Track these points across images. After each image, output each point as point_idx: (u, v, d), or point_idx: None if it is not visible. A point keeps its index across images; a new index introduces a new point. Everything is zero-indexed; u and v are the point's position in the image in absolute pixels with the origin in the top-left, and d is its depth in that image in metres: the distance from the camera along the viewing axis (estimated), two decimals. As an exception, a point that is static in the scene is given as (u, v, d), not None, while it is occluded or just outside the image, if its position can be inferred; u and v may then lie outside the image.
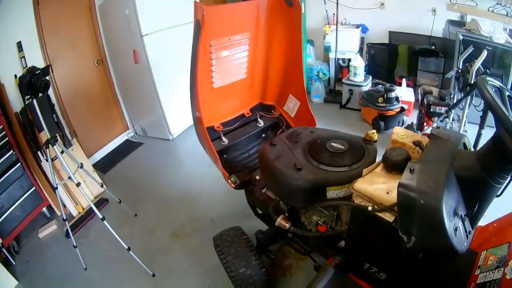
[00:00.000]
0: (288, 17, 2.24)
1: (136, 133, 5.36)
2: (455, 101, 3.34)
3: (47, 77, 2.56)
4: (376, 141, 1.65)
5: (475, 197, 1.13)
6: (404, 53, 4.95)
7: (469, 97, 2.95)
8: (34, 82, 2.48)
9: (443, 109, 3.38)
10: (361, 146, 1.60)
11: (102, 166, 4.57)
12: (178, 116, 4.80)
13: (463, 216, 1.10)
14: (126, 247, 2.60)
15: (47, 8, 4.20)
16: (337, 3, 4.85)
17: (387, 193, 1.15)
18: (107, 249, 3.00)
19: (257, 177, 2.15)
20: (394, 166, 1.24)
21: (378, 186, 1.19)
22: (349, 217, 1.37)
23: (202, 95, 2.08)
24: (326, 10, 5.13)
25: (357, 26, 4.99)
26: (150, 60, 4.31)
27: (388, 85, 4.08)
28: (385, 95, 3.98)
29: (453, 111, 3.27)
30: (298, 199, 1.57)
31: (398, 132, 1.47)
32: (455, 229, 1.03)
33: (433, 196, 0.99)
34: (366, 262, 1.37)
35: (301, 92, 2.49)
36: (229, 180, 2.19)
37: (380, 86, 4.21)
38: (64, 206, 3.63)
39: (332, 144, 1.58)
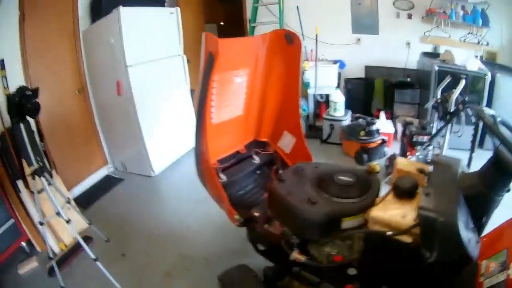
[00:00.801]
0: (288, 54, 2.29)
1: (116, 168, 5.17)
2: (434, 129, 3.61)
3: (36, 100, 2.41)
4: (378, 172, 1.72)
5: (479, 210, 1.29)
6: (380, 86, 5.20)
7: (449, 124, 3.17)
8: (23, 103, 2.31)
9: (425, 138, 3.57)
10: (366, 177, 1.67)
11: (82, 202, 4.29)
12: (160, 152, 4.69)
13: (472, 228, 1.25)
14: None
15: (32, 25, 4.04)
16: (316, 40, 5.07)
17: (403, 217, 1.26)
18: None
19: (256, 214, 2.12)
20: (405, 193, 1.35)
21: (393, 212, 1.30)
22: (364, 244, 1.43)
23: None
24: (305, 47, 5.25)
25: (335, 62, 5.19)
26: (133, 92, 4.21)
27: (369, 118, 4.26)
28: (367, 128, 4.13)
29: (434, 139, 3.47)
30: (314, 232, 1.59)
31: (402, 162, 1.60)
32: (469, 240, 1.16)
33: (449, 214, 1.14)
34: (383, 285, 1.44)
35: (297, 128, 2.51)
36: (234, 217, 2.16)
37: (360, 120, 4.36)
38: (44, 242, 3.44)
39: (340, 177, 1.64)
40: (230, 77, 2.22)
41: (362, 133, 4.15)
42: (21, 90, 2.36)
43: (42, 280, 3.08)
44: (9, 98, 2.34)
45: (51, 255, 2.66)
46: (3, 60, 3.80)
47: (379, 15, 5.06)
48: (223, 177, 2.43)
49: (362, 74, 5.36)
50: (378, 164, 1.75)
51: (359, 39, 5.22)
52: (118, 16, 3.98)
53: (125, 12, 4.01)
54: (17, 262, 3.36)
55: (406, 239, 1.22)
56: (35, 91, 2.41)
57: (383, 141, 4.23)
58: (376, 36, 5.15)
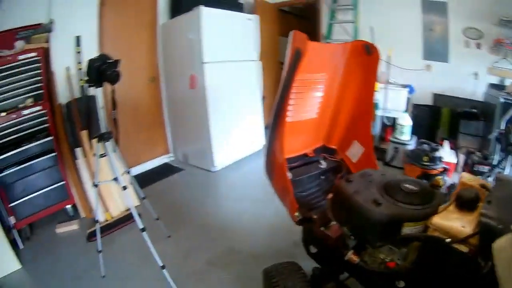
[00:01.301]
0: (366, 65, 2.28)
1: (177, 158, 5.38)
2: (496, 161, 3.60)
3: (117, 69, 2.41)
4: (441, 186, 1.79)
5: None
6: (446, 115, 5.05)
7: (510, 156, 3.22)
8: (104, 69, 2.32)
9: (486, 168, 3.58)
10: (430, 189, 1.69)
11: (139, 182, 4.44)
12: (225, 149, 4.77)
13: None
14: (161, 265, 2.43)
15: (112, 11, 4.35)
16: (388, 62, 5.07)
17: (462, 227, 1.28)
18: (134, 264, 2.85)
19: (315, 216, 2.10)
20: (466, 203, 1.38)
21: (453, 221, 1.33)
22: (420, 250, 1.44)
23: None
24: (378, 69, 5.21)
25: (405, 86, 5.08)
26: (206, 88, 4.35)
27: (433, 145, 4.15)
28: (430, 154, 4.01)
29: (494, 170, 3.44)
30: (374, 234, 1.61)
31: (466, 177, 1.62)
32: None
33: (509, 222, 1.12)
34: None
35: (367, 139, 2.50)
36: (295, 214, 2.16)
37: (425, 145, 4.24)
38: (90, 210, 3.61)
39: (406, 185, 1.66)
40: (311, 79, 2.24)
41: (425, 158, 4.03)
42: (103, 57, 2.38)
43: (78, 242, 3.24)
44: (90, 62, 2.35)
45: (96, 218, 2.70)
46: (79, 37, 4.05)
47: (449, 42, 4.90)
48: (289, 175, 2.41)
49: (430, 101, 5.22)
50: (441, 178, 1.88)
51: (429, 66, 5.07)
52: (199, 14, 4.19)
53: (206, 11, 4.23)
54: (56, 222, 3.56)
55: (463, 248, 1.24)
56: (116, 61, 2.43)
57: (445, 170, 4.07)
58: (445, 64, 4.98)
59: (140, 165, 5.01)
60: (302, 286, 1.90)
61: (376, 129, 5.25)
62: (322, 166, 2.62)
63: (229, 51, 4.59)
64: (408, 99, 5.15)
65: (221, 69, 4.45)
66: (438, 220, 1.36)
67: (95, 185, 2.60)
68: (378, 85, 4.98)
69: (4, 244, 2.87)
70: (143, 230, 2.39)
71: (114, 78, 2.35)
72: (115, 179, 2.49)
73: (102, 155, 2.53)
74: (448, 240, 1.27)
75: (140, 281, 2.65)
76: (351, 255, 1.71)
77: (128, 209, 3.60)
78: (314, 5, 6.05)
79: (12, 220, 3.23)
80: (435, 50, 5.05)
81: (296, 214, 2.15)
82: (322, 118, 2.53)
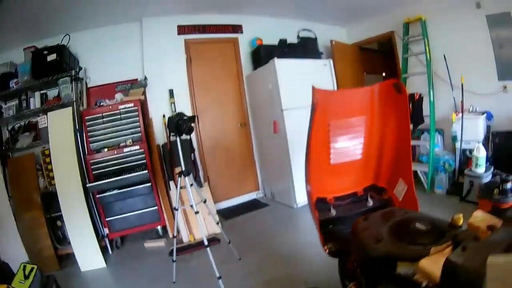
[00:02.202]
0: (398, 103, 2.37)
1: (265, 195, 5.86)
2: None
3: (192, 124, 3.08)
4: (461, 226, 1.62)
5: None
6: None
7: None
8: (180, 124, 3.03)
9: None
10: (443, 229, 1.61)
11: (225, 214, 5.16)
12: (304, 188, 5.12)
13: None
14: (218, 275, 2.93)
15: (199, 66, 5.23)
16: (462, 90, 4.82)
17: None
18: (201, 275, 3.39)
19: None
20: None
21: (438, 266, 1.21)
22: None
23: (319, 169, 2.32)
24: (454, 98, 5.05)
25: (482, 113, 4.77)
26: (287, 132, 4.76)
27: (504, 175, 3.81)
28: (501, 186, 3.71)
29: None
30: (371, 269, 1.67)
31: (476, 216, 1.50)
32: None
33: (475, 274, 1.03)
34: None
35: (409, 177, 2.52)
36: (326, 246, 2.36)
37: (497, 176, 3.95)
38: (179, 231, 4.20)
39: (416, 224, 1.65)
40: (345, 124, 2.41)
41: (495, 191, 3.73)
42: (180, 114, 3.13)
43: (161, 255, 3.94)
44: (169, 118, 3.14)
45: (174, 235, 3.32)
46: (172, 90, 4.98)
47: None
48: (333, 212, 2.59)
49: (510, 127, 4.72)
50: (461, 217, 1.63)
51: (505, 86, 4.67)
52: (273, 66, 4.70)
53: (280, 63, 4.73)
54: (146, 238, 4.35)
55: None
56: (193, 118, 3.15)
57: None
58: None
59: (231, 200, 5.62)
60: None
61: (456, 162, 4.99)
62: (369, 205, 2.68)
63: (306, 97, 4.88)
64: (488, 126, 4.88)
65: (300, 114, 4.64)
66: (423, 263, 1.31)
67: (175, 209, 3.23)
68: (455, 115, 4.83)
69: (94, 247, 3.87)
70: (207, 246, 2.99)
71: (188, 131, 3.04)
72: (191, 205, 3.11)
73: (182, 187, 3.21)
74: (424, 284, 1.25)
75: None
76: (351, 286, 1.84)
77: (211, 235, 4.26)
78: (390, 40, 6.12)
79: (106, 230, 4.17)
80: (509, 67, 4.68)
81: (329, 245, 2.35)
82: (368, 158, 2.63)
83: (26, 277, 2.72)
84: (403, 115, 2.42)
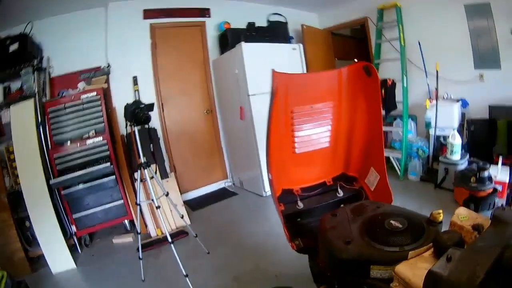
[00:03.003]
0: (368, 87, 2.26)
1: (233, 183, 5.75)
2: None
3: (150, 112, 2.89)
4: (441, 222, 1.52)
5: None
6: (503, 129, 4.50)
7: None
8: (137, 113, 2.83)
9: None
10: (422, 227, 1.50)
11: (193, 205, 5.01)
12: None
13: None
14: (184, 274, 2.82)
15: (164, 52, 5.01)
16: (437, 77, 4.79)
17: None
18: (170, 271, 3.24)
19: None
20: (443, 251, 1.13)
21: (418, 272, 1.12)
22: None
23: (283, 159, 2.20)
24: (428, 84, 5.00)
25: (458, 101, 4.77)
26: (254, 118, 4.64)
27: (481, 163, 3.80)
28: (478, 174, 3.72)
29: None
30: (341, 272, 1.55)
31: (460, 213, 1.41)
32: None
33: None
34: None
35: (381, 166, 2.42)
36: (293, 243, 2.24)
37: (474, 164, 3.95)
38: (146, 225, 4.07)
39: (391, 221, 1.52)
40: (310, 110, 2.28)
41: (472, 179, 3.74)
42: (136, 102, 2.93)
43: (130, 252, 3.80)
44: (126, 107, 2.90)
45: (138, 231, 3.19)
46: (136, 77, 4.76)
47: (499, 46, 4.44)
48: (300, 205, 2.47)
49: (486, 115, 4.73)
50: (441, 213, 1.52)
51: (481, 75, 4.66)
52: (241, 50, 4.54)
53: (247, 47, 4.57)
54: (115, 234, 4.19)
55: None
56: (151, 105, 2.95)
57: (495, 190, 3.73)
58: (498, 71, 4.52)
59: (199, 189, 5.48)
60: None
61: (430, 149, 5.00)
62: (339, 195, 2.56)
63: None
64: (463, 114, 4.88)
65: (267, 100, 4.65)
66: (400, 268, 1.20)
67: (137, 204, 3.07)
68: (429, 102, 4.80)
69: (63, 247, 3.66)
70: (171, 242, 2.86)
71: (145, 120, 2.85)
72: (152, 200, 2.95)
73: (142, 180, 3.04)
74: None
75: (170, 287, 3.09)
76: None
77: (178, 228, 4.13)
78: (363, 26, 6.04)
79: (74, 228, 3.96)
80: (486, 57, 4.65)
81: (296, 242, 2.22)
82: (336, 146, 2.52)
83: None
84: (374, 99, 2.29)
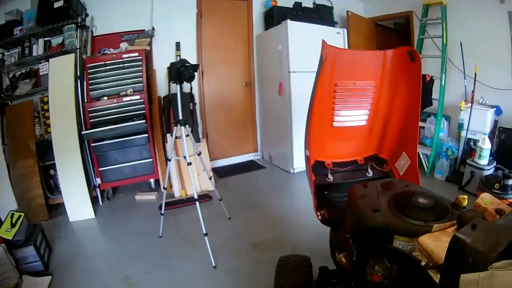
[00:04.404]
0: (410, 72, 2.25)
1: (263, 157, 5.87)
2: None
3: (194, 72, 2.91)
4: (464, 207, 1.51)
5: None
6: None
7: None
8: (182, 70, 2.87)
9: None
10: (447, 208, 1.51)
11: (220, 172, 5.16)
12: (303, 153, 5.10)
13: None
14: (204, 232, 2.87)
15: (209, 22, 5.10)
16: (475, 80, 4.72)
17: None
18: (188, 231, 3.36)
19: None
20: None
21: (441, 244, 1.13)
22: (397, 269, 1.35)
23: (321, 130, 2.23)
24: (465, 86, 4.94)
25: (492, 107, 4.70)
26: (292, 95, 4.70)
27: (507, 171, 3.81)
28: (502, 181, 3.71)
29: None
30: (365, 239, 1.58)
31: (484, 197, 1.44)
32: None
33: (484, 256, 0.91)
34: None
35: (413, 152, 2.41)
36: (319, 212, 2.28)
37: (500, 172, 3.92)
38: (171, 185, 4.20)
39: (418, 199, 1.53)
40: (353, 86, 2.29)
41: (496, 185, 3.74)
42: (183, 61, 2.96)
43: (151, 209, 3.92)
44: (171, 64, 2.98)
45: (165, 186, 3.27)
46: (179, 43, 4.87)
47: None
48: (330, 178, 2.51)
49: None
50: (466, 198, 1.52)
51: None
52: (286, 27, 4.59)
53: (292, 25, 4.61)
54: (138, 191, 4.34)
55: (439, 279, 1.08)
56: (195, 66, 2.96)
57: None
58: None
59: (227, 159, 5.61)
60: (302, 282, 1.95)
61: (459, 150, 4.96)
62: (369, 175, 2.59)
63: (315, 62, 4.81)
64: (496, 121, 4.82)
65: (307, 79, 4.62)
66: (424, 239, 1.22)
67: (168, 160, 3.16)
68: (464, 104, 4.77)
69: (85, 197, 3.82)
70: (196, 200, 2.90)
71: (189, 78, 2.88)
72: (184, 157, 3.02)
73: (177, 137, 3.14)
74: (423, 263, 1.15)
75: (186, 244, 3.19)
76: (341, 257, 1.76)
77: (203, 191, 4.25)
78: (408, 20, 5.98)
79: (98, 181, 4.12)
80: None
81: (322, 212, 2.27)
82: (373, 126, 2.52)
83: (12, 225, 2.73)
84: (414, 85, 2.28)
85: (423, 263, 1.16)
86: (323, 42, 2.01)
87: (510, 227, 1.01)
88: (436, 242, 1.18)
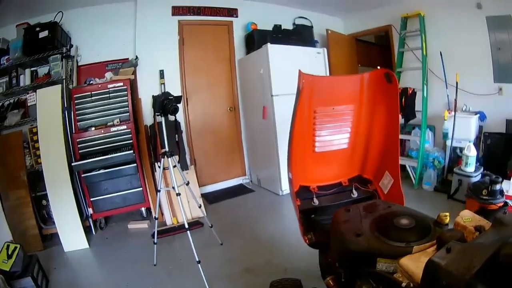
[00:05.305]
0: (388, 93, 2.31)
1: (251, 180, 5.87)
2: None
3: (178, 104, 3.00)
4: (447, 224, 1.56)
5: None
6: None
7: None
8: (166, 104, 2.96)
9: None
10: (429, 227, 1.55)
11: (210, 198, 5.16)
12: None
13: None
14: (197, 260, 2.89)
15: (191, 48, 5.16)
16: (456, 88, 4.79)
17: None
18: (182, 258, 3.36)
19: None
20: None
21: (421, 265, 1.14)
22: None
23: (303, 157, 2.28)
24: (448, 95, 5.01)
25: (476, 113, 4.77)
26: (276, 119, 4.74)
27: (493, 176, 3.79)
28: (490, 187, 3.71)
29: None
30: (349, 264, 1.63)
31: (464, 215, 1.47)
32: None
33: (457, 279, 0.95)
34: None
35: (395, 170, 2.47)
36: (306, 236, 2.32)
37: (487, 177, 3.91)
38: (162, 214, 4.20)
39: (400, 220, 1.57)
40: (332, 112, 2.35)
41: (484, 191, 3.74)
42: (165, 94, 3.08)
43: (144, 237, 3.94)
44: (155, 98, 3.06)
45: (156, 216, 3.32)
46: (162, 70, 4.95)
47: None
48: (316, 202, 2.53)
49: (503, 129, 4.71)
50: (448, 215, 1.56)
51: (501, 89, 4.63)
52: (266, 51, 4.66)
53: (273, 49, 4.68)
54: (130, 220, 4.35)
55: None
56: (179, 98, 3.07)
57: (505, 204, 3.72)
58: None
59: (216, 184, 5.61)
60: None
61: (446, 160, 5.00)
62: (354, 196, 2.62)
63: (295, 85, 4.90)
64: (480, 127, 4.87)
65: (290, 102, 4.66)
66: (405, 261, 1.26)
67: (158, 190, 3.22)
68: (448, 113, 4.82)
69: (78, 227, 3.89)
70: (188, 229, 2.96)
71: (173, 111, 2.96)
72: (173, 187, 3.05)
73: (165, 168, 3.22)
74: (404, 284, 1.19)
75: (181, 272, 3.18)
76: (329, 280, 1.79)
77: (194, 218, 4.25)
78: (387, 33, 6.07)
79: (90, 211, 4.14)
80: (506, 71, 4.63)
81: (309, 236, 2.31)
82: (354, 148, 2.58)
83: (9, 257, 2.74)
84: (392, 106, 2.35)
85: (403, 285, 1.19)
86: (299, 72, 2.08)
87: (485, 247, 1.04)
88: (417, 263, 1.21)
